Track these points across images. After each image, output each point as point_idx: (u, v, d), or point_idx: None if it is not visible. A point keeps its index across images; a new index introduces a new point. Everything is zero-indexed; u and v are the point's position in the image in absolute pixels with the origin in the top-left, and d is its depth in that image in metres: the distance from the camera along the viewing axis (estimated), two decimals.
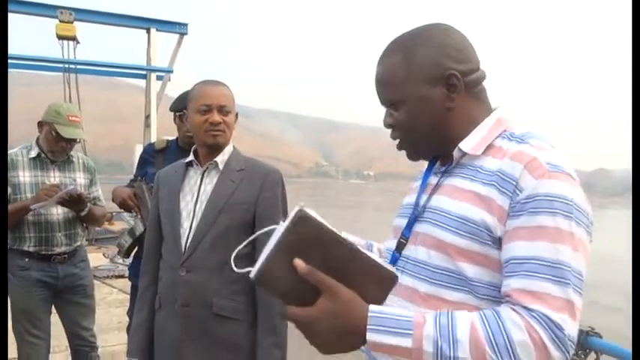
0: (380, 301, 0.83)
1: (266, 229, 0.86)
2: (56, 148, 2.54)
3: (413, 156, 1.06)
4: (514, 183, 0.86)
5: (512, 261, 0.83)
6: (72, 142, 2.56)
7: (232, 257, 0.88)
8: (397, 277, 0.83)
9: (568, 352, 0.77)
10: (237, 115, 1.78)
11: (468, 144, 0.97)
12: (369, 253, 0.81)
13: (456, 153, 0.98)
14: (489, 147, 0.95)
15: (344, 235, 0.82)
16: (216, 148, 1.73)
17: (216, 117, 1.68)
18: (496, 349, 0.76)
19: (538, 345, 0.76)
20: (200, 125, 1.69)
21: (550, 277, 0.79)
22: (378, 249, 1.23)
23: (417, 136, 1.02)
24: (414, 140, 1.03)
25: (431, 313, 0.83)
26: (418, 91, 0.97)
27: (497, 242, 0.87)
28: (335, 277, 0.79)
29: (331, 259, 0.79)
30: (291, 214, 0.78)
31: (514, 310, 0.79)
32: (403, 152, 1.07)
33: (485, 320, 0.79)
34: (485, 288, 0.89)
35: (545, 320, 0.77)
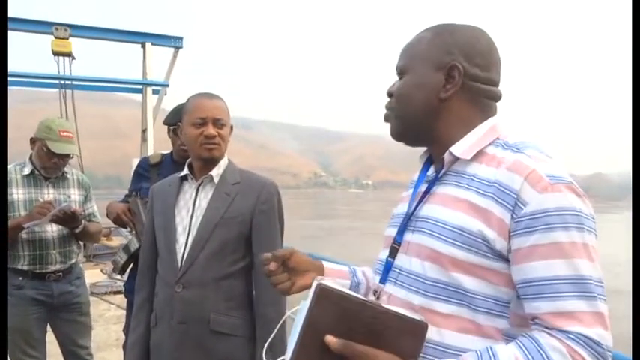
0: (416, 352, 0.82)
1: (291, 312, 0.88)
2: (49, 164, 2.51)
3: (395, 133, 1.05)
4: (514, 196, 0.84)
5: (534, 282, 0.83)
6: (65, 158, 2.54)
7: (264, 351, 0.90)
8: (427, 325, 0.82)
9: None
10: (232, 127, 1.78)
11: (459, 148, 0.95)
12: (394, 309, 0.81)
13: (446, 157, 0.96)
14: (482, 154, 0.94)
15: (364, 297, 0.81)
16: (212, 162, 1.71)
17: (211, 130, 1.66)
18: None
19: None
20: (195, 139, 1.67)
21: (577, 294, 0.80)
22: (362, 272, 1.21)
23: (404, 112, 1.02)
24: (401, 114, 1.03)
25: (471, 354, 0.83)
26: (422, 69, 0.99)
27: (499, 255, 0.86)
28: (368, 342, 0.78)
29: (361, 325, 0.78)
30: (311, 291, 0.79)
31: (551, 335, 0.79)
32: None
33: (527, 352, 0.79)
34: (485, 301, 0.87)
35: (584, 339, 0.78)
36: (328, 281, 0.78)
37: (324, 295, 0.77)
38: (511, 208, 0.85)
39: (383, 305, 0.80)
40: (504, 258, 0.86)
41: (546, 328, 0.81)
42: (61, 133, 2.48)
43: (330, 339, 0.76)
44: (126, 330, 2.42)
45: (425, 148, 1.09)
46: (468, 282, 0.87)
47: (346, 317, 0.77)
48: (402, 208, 1.08)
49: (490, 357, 0.80)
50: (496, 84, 1.00)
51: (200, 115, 1.67)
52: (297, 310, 0.83)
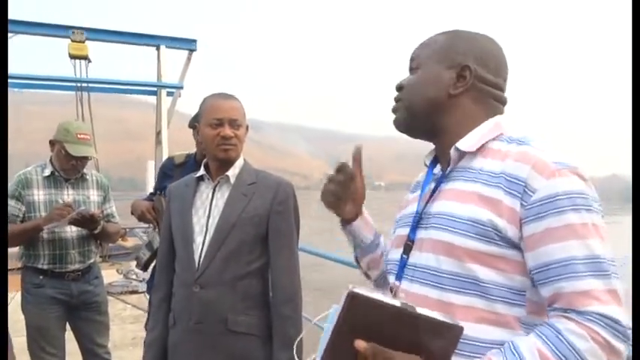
0: (449, 354, 0.82)
1: (321, 316, 0.88)
2: (67, 166, 2.56)
3: (400, 123, 1.08)
4: (522, 184, 0.87)
5: (553, 265, 0.84)
6: (82, 160, 2.58)
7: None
8: (462, 327, 0.82)
9: (628, 340, 0.80)
10: (247, 128, 1.79)
11: (464, 143, 0.99)
12: (427, 313, 0.80)
13: (452, 153, 0.99)
14: (487, 149, 0.97)
15: (398, 302, 0.81)
16: (228, 162, 1.72)
17: (227, 131, 1.67)
18: None
19: (603, 345, 0.78)
20: (212, 139, 1.68)
21: (593, 273, 0.82)
22: (383, 240, 1.26)
23: (413, 103, 1.05)
24: (409, 105, 1.06)
25: (495, 353, 0.84)
26: (435, 66, 1.04)
27: (510, 243, 0.88)
28: (402, 347, 0.79)
29: (393, 329, 0.78)
30: (342, 297, 0.79)
31: (568, 318, 0.81)
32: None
33: (548, 341, 0.81)
34: (499, 290, 0.89)
35: (602, 319, 0.79)
36: (360, 288, 0.78)
37: (355, 301, 0.77)
38: (520, 195, 0.87)
39: (417, 310, 0.79)
40: (516, 246, 0.89)
41: (564, 311, 0.82)
42: (78, 136, 2.52)
43: (360, 343, 0.77)
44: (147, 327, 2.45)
45: (431, 148, 1.13)
46: (482, 272, 0.89)
47: (378, 323, 0.78)
48: (411, 209, 1.10)
49: (513, 352, 0.82)
50: (503, 90, 1.06)
51: (216, 116, 1.68)
52: (327, 315, 0.84)
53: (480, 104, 1.02)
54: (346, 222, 1.20)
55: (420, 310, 0.80)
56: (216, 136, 1.68)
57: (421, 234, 1.01)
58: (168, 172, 2.52)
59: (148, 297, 2.61)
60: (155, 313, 1.78)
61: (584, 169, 0.90)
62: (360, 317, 0.77)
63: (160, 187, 2.50)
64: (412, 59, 1.09)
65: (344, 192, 1.14)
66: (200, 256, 1.65)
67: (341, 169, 1.12)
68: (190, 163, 2.49)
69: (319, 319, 0.88)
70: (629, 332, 0.79)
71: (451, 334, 0.81)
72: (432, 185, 1.04)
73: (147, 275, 2.60)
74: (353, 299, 0.77)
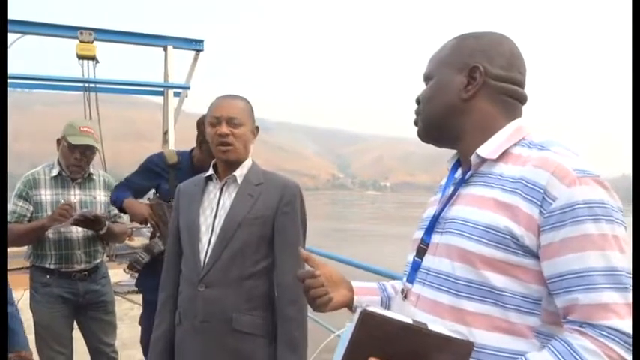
0: None
1: (337, 334, 0.90)
2: (71, 160, 2.55)
3: (421, 134, 1.09)
4: (541, 191, 0.85)
5: (568, 275, 0.83)
6: (86, 152, 2.56)
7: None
8: (473, 344, 0.83)
9: None
10: (257, 128, 1.79)
11: (486, 150, 0.96)
12: (438, 329, 0.81)
13: (473, 159, 0.97)
14: (508, 154, 0.94)
15: (410, 319, 0.83)
16: (229, 164, 1.73)
17: (223, 129, 1.67)
18: None
19: None
20: (212, 138, 1.70)
21: (611, 285, 0.80)
22: (392, 286, 1.23)
23: (428, 112, 1.05)
24: (425, 115, 1.07)
25: None
26: (445, 73, 1.03)
27: (527, 251, 0.86)
28: None
29: (405, 348, 0.80)
30: (356, 315, 0.80)
31: (582, 333, 0.79)
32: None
33: (561, 358, 0.79)
34: (514, 298, 0.87)
35: (618, 335, 0.77)
36: (373, 307, 0.80)
37: (368, 320, 0.79)
38: (539, 203, 0.85)
39: (428, 327, 0.81)
40: (533, 254, 0.87)
41: (579, 325, 0.81)
42: (81, 129, 2.54)
43: None
44: (140, 322, 2.45)
45: (453, 152, 1.11)
46: (497, 280, 0.88)
47: (390, 341, 0.79)
48: (430, 212, 1.09)
49: None
50: (520, 84, 1.02)
51: (215, 114, 1.70)
52: (343, 331, 0.85)
53: (496, 104, 0.99)
54: (351, 305, 1.15)
55: (431, 327, 0.81)
56: (215, 134, 1.68)
57: (436, 238, 1.00)
58: (160, 171, 2.40)
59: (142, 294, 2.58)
60: (161, 310, 1.80)
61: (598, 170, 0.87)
62: (373, 335, 0.79)
63: (151, 185, 2.41)
64: (425, 70, 1.10)
65: (328, 283, 1.08)
66: (205, 256, 1.66)
67: (307, 273, 1.07)
68: (185, 163, 2.39)
69: (340, 332, 0.90)
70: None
71: (461, 350, 0.82)
72: (451, 189, 1.03)
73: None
74: (366, 317, 0.78)
